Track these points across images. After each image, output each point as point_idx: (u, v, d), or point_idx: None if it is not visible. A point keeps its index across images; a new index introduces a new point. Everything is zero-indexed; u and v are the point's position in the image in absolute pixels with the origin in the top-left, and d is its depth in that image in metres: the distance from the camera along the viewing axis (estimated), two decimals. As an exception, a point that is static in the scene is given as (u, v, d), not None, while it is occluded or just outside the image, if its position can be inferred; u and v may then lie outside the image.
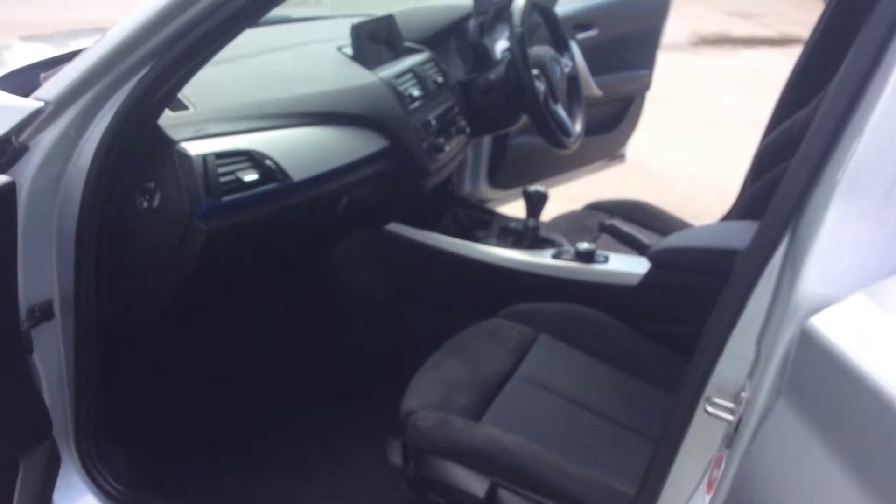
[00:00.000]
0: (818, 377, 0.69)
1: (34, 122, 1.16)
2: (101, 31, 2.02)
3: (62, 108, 1.17)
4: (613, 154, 2.91)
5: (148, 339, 1.42)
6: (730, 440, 0.82)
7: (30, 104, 1.17)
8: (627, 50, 2.64)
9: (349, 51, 1.70)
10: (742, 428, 0.79)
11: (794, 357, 0.72)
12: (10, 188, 0.99)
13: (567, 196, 3.49)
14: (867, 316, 0.69)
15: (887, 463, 0.60)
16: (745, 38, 8.75)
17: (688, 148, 4.67)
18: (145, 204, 1.23)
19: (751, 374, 0.81)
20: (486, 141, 2.44)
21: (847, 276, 0.71)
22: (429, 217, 1.89)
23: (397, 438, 1.41)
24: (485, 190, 2.45)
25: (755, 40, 8.68)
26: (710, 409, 0.84)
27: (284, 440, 1.67)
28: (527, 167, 2.54)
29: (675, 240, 1.60)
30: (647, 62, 2.70)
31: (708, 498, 0.85)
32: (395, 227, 1.79)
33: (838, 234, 0.72)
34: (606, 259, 1.74)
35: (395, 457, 1.39)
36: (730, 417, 0.83)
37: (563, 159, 2.54)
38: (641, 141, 3.93)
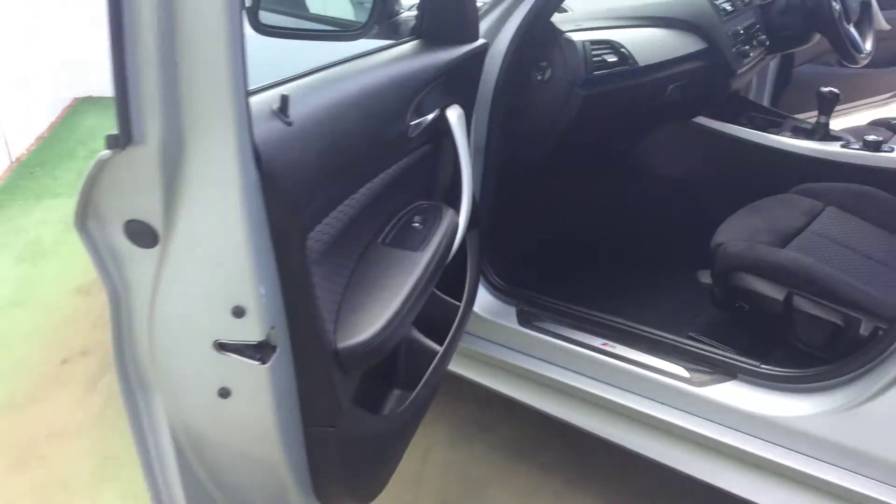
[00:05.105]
0: None
1: None
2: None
3: (490, 10, 1.71)
4: (897, 89, 3.02)
5: (530, 178, 1.96)
6: None
7: None
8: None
9: None
10: None
11: None
12: (485, 48, 1.54)
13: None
14: None
15: None
16: None
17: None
18: (539, 77, 1.76)
19: None
20: (771, 68, 2.72)
21: None
22: (727, 118, 2.26)
23: (705, 269, 1.83)
24: (768, 113, 2.73)
25: None
26: None
27: (610, 273, 2.13)
28: (808, 95, 2.77)
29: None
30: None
31: None
32: (702, 120, 2.19)
33: None
34: (892, 149, 1.99)
35: (705, 278, 1.81)
36: None
37: (845, 90, 2.73)
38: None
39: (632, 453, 1.71)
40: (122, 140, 0.78)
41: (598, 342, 1.76)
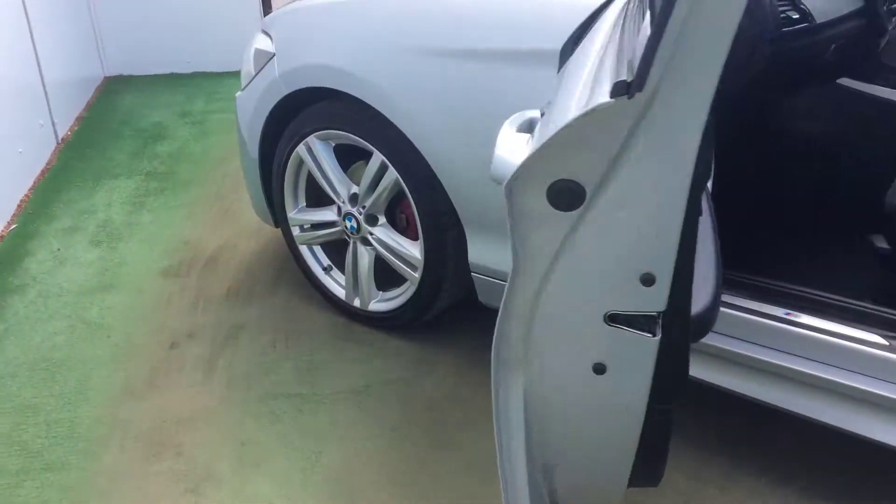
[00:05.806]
0: None
1: None
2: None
3: None
4: None
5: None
6: None
7: None
8: None
9: None
10: None
11: None
12: None
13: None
14: None
15: None
16: None
17: None
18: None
19: None
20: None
21: None
22: (866, 79, 2.20)
23: (877, 234, 1.78)
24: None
25: None
26: None
27: (775, 240, 2.03)
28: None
29: None
30: None
31: None
32: (846, 81, 2.13)
33: None
34: None
35: (881, 242, 1.75)
36: None
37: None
38: None
39: (822, 428, 1.65)
40: (636, 86, 0.71)
41: (780, 312, 1.70)
